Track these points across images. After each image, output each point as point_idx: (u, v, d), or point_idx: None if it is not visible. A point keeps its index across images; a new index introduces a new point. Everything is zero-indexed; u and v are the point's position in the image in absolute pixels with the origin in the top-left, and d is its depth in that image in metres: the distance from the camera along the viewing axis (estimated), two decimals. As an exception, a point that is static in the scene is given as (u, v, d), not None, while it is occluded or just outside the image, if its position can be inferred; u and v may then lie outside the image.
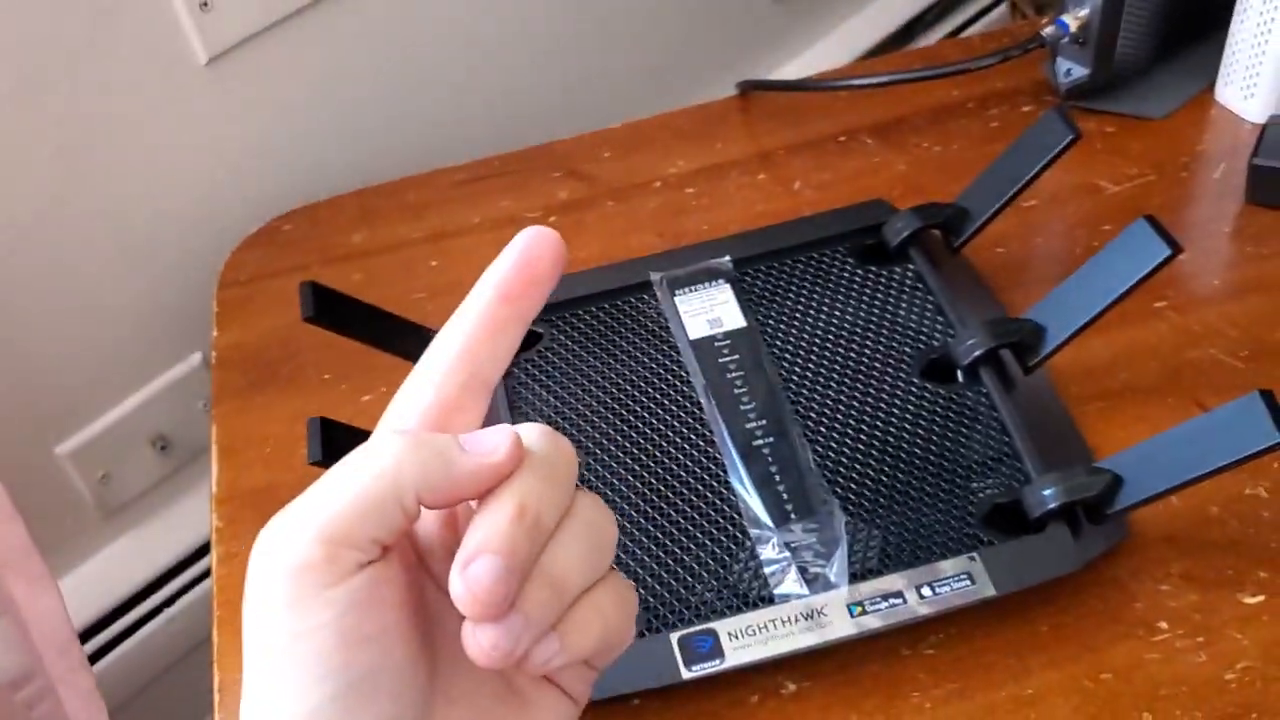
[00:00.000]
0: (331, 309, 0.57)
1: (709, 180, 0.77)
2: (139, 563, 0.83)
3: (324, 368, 0.68)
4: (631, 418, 0.57)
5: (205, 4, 0.70)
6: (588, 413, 0.58)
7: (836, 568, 0.51)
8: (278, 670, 0.27)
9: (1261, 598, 0.51)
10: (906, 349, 0.59)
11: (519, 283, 0.32)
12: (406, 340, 0.59)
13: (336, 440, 0.51)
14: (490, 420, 0.58)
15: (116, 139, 0.73)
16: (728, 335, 0.60)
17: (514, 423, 0.57)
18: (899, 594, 0.50)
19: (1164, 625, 0.51)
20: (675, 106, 0.82)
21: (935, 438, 0.55)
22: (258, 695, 0.27)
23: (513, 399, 0.58)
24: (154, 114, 0.74)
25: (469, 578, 0.27)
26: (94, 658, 0.81)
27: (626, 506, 0.54)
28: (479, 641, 0.27)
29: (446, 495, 0.28)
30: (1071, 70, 0.76)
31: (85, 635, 0.80)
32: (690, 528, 0.53)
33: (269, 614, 0.27)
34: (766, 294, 0.62)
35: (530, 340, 0.62)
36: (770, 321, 0.61)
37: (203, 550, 0.84)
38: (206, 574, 0.75)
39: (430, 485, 0.28)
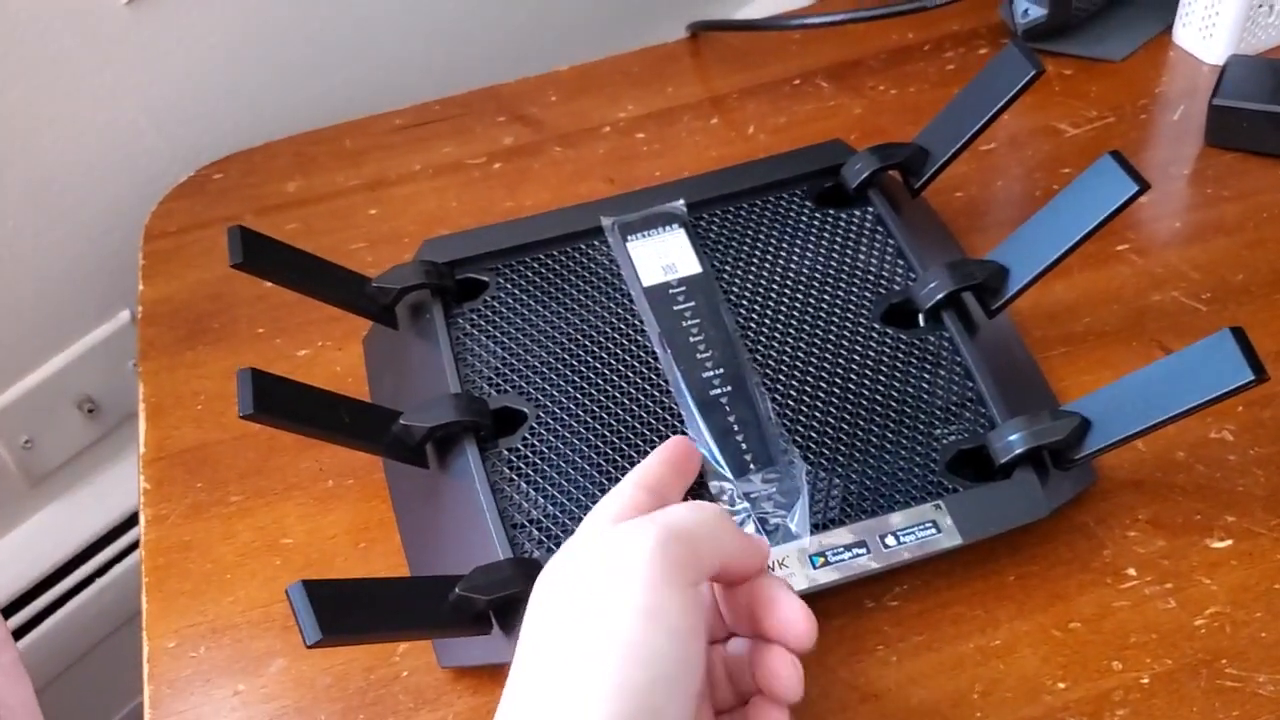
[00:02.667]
0: (262, 255, 0.53)
1: (660, 125, 0.74)
2: (68, 532, 0.79)
3: (257, 321, 0.65)
4: (583, 369, 0.55)
5: (123, -64, 0.66)
6: (537, 364, 0.55)
7: (798, 518, 0.49)
8: (596, 650, 0.33)
9: (1229, 542, 0.50)
10: (867, 294, 0.57)
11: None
12: (343, 288, 0.56)
13: (270, 392, 0.48)
14: (432, 374, 0.55)
15: (32, 84, 0.69)
16: (682, 282, 0.58)
17: (459, 375, 0.54)
18: (862, 544, 0.48)
19: (1132, 572, 0.50)
20: (625, 49, 0.79)
21: (897, 384, 0.53)
22: (559, 671, 0.34)
23: (458, 350, 0.56)
24: (73, 57, 0.70)
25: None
26: (21, 631, 0.77)
27: (579, 460, 0.51)
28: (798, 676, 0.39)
29: (740, 568, 0.38)
30: (1029, 11, 0.74)
31: (12, 608, 0.76)
32: (646, 480, 0.51)
33: (623, 588, 0.34)
34: (722, 239, 0.60)
35: (475, 289, 0.59)
36: (726, 267, 0.59)
37: (136, 517, 0.80)
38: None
39: (736, 551, 0.38)
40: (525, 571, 0.46)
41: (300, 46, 0.78)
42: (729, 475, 0.50)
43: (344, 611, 0.42)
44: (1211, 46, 0.73)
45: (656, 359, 0.55)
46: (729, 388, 0.53)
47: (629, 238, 0.60)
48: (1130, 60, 0.75)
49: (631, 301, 0.57)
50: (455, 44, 0.84)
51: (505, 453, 0.52)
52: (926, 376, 0.54)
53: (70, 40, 0.70)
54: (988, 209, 0.67)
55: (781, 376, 0.54)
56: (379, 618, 0.43)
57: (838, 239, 0.59)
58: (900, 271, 0.58)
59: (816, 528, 0.49)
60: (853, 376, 0.54)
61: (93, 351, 0.78)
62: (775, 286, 0.57)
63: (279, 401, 0.48)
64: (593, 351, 0.56)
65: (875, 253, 0.59)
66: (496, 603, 0.46)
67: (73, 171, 0.74)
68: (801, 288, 0.57)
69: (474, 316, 0.57)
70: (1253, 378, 0.44)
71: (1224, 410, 0.53)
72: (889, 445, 0.51)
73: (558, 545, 0.49)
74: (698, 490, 0.50)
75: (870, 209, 0.60)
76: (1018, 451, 0.49)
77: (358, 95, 0.81)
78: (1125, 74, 0.74)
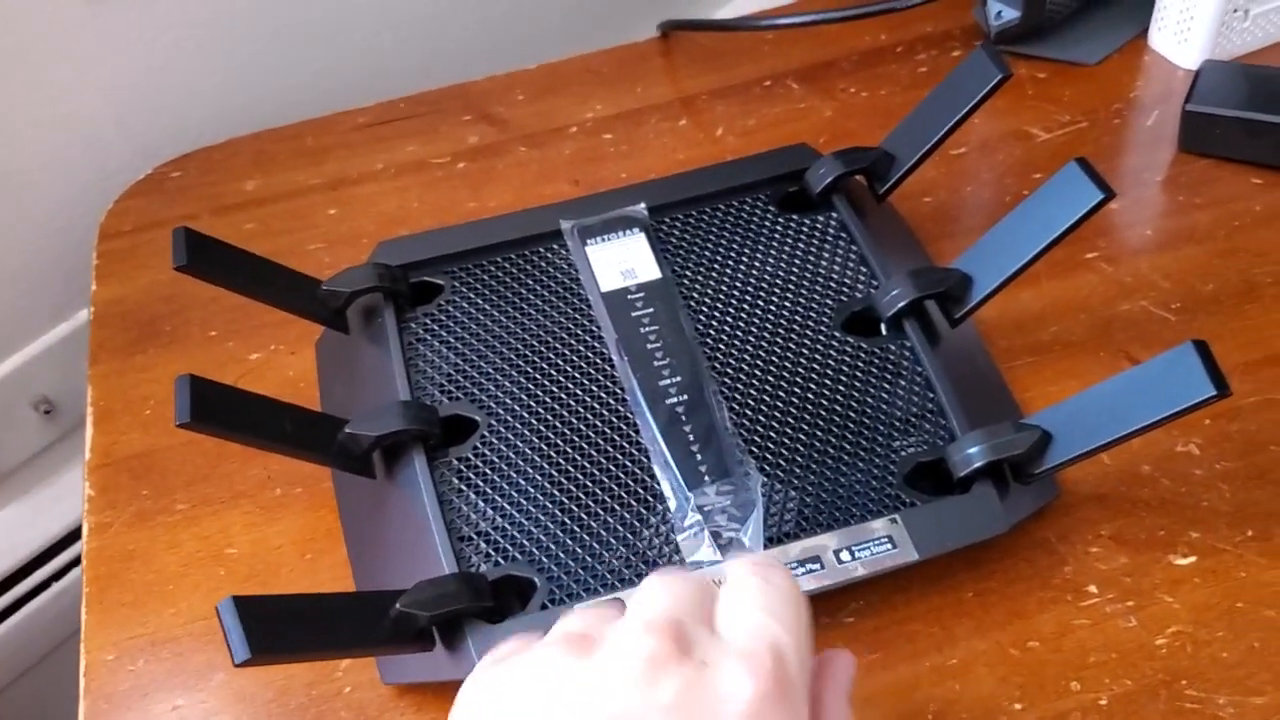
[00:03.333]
0: (208, 257, 0.52)
1: (628, 126, 0.73)
2: (23, 535, 0.78)
3: (210, 324, 0.63)
4: (538, 375, 0.54)
5: (76, -72, 0.65)
6: (491, 370, 0.54)
7: (752, 532, 0.48)
8: None
9: (1193, 559, 0.49)
10: (828, 301, 0.56)
11: None
12: (292, 292, 0.55)
13: (209, 400, 0.46)
14: (382, 380, 0.54)
15: (-13, 78, 0.68)
16: (641, 287, 0.56)
17: (410, 382, 0.53)
18: (816, 558, 0.47)
19: (1093, 589, 0.48)
20: (594, 48, 0.78)
21: (856, 394, 0.52)
22: None
23: (409, 356, 0.54)
24: (30, 50, 0.69)
25: None
26: (-26, 636, 0.76)
27: (530, 470, 0.50)
28: None
29: None
30: (1002, 13, 0.73)
31: (-36, 612, 0.75)
32: (599, 491, 0.49)
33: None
34: (684, 244, 0.59)
35: (429, 293, 0.57)
36: (687, 272, 0.57)
37: (93, 520, 0.79)
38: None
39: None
40: (471, 586, 0.45)
41: (264, 42, 0.77)
42: (683, 486, 0.49)
43: (276, 629, 0.40)
44: (1186, 51, 0.72)
45: (613, 366, 0.54)
46: (686, 396, 0.52)
47: (588, 241, 0.58)
48: (1104, 64, 0.74)
49: (589, 307, 0.56)
50: (421, 41, 0.82)
51: (455, 462, 0.51)
52: (886, 387, 0.52)
53: (28, 33, 0.68)
54: (957, 215, 0.65)
55: (740, 385, 0.53)
56: (314, 635, 0.42)
57: (800, 245, 0.58)
58: (863, 279, 0.56)
59: (771, 541, 0.47)
60: (811, 386, 0.53)
61: (49, 351, 0.77)
62: (736, 293, 0.56)
63: (218, 410, 0.47)
64: (548, 358, 0.54)
65: (838, 260, 0.57)
66: (439, 619, 0.44)
67: (29, 167, 0.72)
68: (762, 295, 0.56)
69: (427, 321, 0.56)
70: (1214, 392, 0.43)
71: (1190, 423, 0.52)
72: (846, 457, 0.50)
73: (506, 558, 0.48)
74: (652, 503, 0.49)
75: (834, 215, 0.59)
76: (977, 465, 0.48)
77: (322, 92, 0.79)
78: (1099, 78, 0.73)
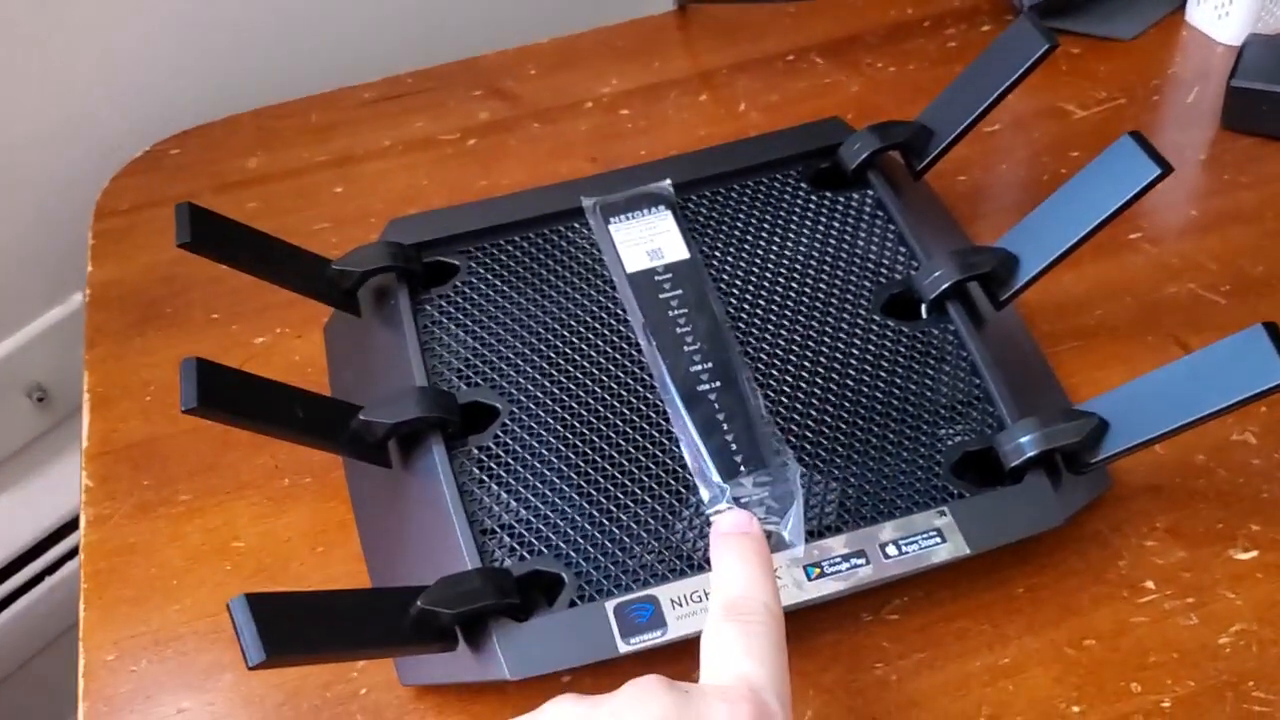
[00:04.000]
0: (212, 235, 0.49)
1: (645, 101, 0.70)
2: (17, 526, 0.75)
3: (213, 306, 0.60)
4: (561, 361, 0.51)
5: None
6: (511, 355, 0.51)
7: (791, 525, 0.45)
8: None
9: (1254, 553, 0.47)
10: (866, 283, 0.53)
11: None
12: (301, 271, 0.52)
13: (216, 385, 0.43)
14: (396, 365, 0.51)
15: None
16: (669, 268, 0.54)
17: (426, 367, 0.50)
18: (860, 554, 0.44)
19: (1151, 585, 0.46)
20: (609, 21, 0.75)
21: (899, 380, 0.50)
22: None
23: (425, 340, 0.52)
24: (21, 21, 0.66)
25: None
26: (-35, 631, 0.73)
27: (556, 460, 0.47)
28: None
29: None
30: (1036, -15, 0.71)
31: (-45, 607, 0.72)
32: (628, 483, 0.47)
33: None
34: (712, 222, 0.56)
35: (445, 274, 0.55)
36: (716, 252, 0.55)
37: (87, 511, 0.76)
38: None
39: None
40: (495, 583, 0.43)
41: (265, 14, 0.74)
42: (717, 478, 0.46)
43: (292, 628, 0.38)
44: (1226, 26, 0.70)
45: (640, 351, 0.51)
46: (718, 383, 0.49)
47: (611, 220, 0.56)
48: (1141, 39, 0.71)
49: (614, 289, 0.53)
50: (429, 13, 0.79)
51: (475, 452, 0.48)
52: (930, 372, 0.50)
53: (19, 3, 0.65)
54: (991, 194, 0.63)
55: (774, 371, 0.50)
56: (331, 635, 0.39)
57: (834, 224, 0.55)
58: (901, 259, 0.54)
59: (811, 535, 0.45)
60: (850, 372, 0.50)
61: (43, 336, 0.74)
62: (768, 274, 0.54)
63: (226, 395, 0.44)
64: (571, 343, 0.52)
65: (875, 239, 0.55)
66: (463, 617, 0.42)
67: (21, 145, 0.69)
68: (796, 276, 0.54)
69: (443, 303, 0.53)
70: (1289, 378, 0.41)
71: (1246, 411, 0.50)
72: (889, 446, 0.47)
73: (532, 553, 0.45)
74: (684, 494, 0.46)
75: (870, 192, 0.56)
76: (1029, 454, 0.45)
77: (326, 66, 0.76)
78: (1136, 54, 0.70)
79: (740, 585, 0.37)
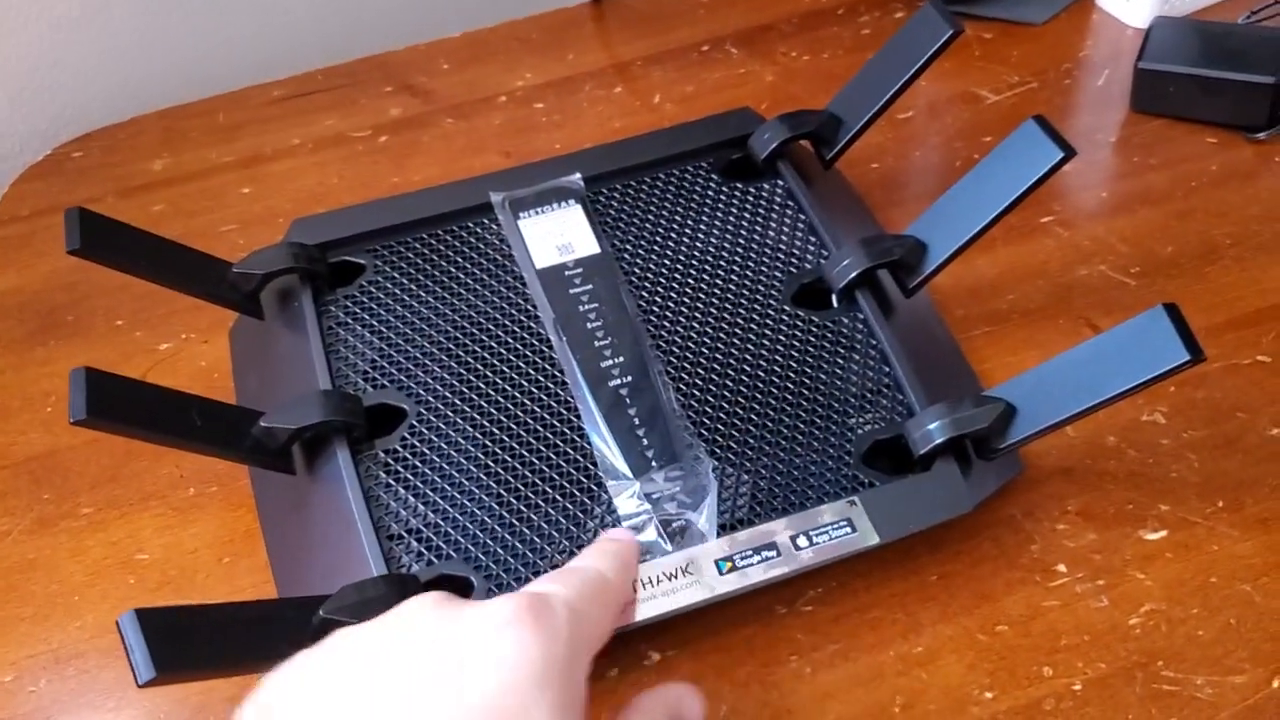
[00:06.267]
0: (105, 240, 0.48)
1: (560, 95, 0.69)
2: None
3: (116, 313, 0.59)
4: (469, 360, 0.50)
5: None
6: (418, 355, 0.50)
7: (704, 518, 0.45)
8: None
9: (1163, 533, 0.47)
10: (777, 273, 0.53)
11: None
12: (201, 276, 0.51)
13: (108, 394, 0.42)
14: (300, 368, 0.50)
15: None
16: (579, 263, 0.53)
17: (330, 370, 0.49)
18: (772, 545, 0.44)
19: (1062, 568, 0.46)
20: (522, 14, 0.74)
21: (809, 371, 0.49)
22: None
23: (329, 342, 0.50)
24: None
25: None
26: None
27: (465, 461, 0.47)
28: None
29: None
30: (948, -29, 0.71)
31: None
32: (539, 482, 0.46)
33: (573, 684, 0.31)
34: (623, 215, 0.55)
35: (350, 274, 0.54)
36: (627, 246, 0.54)
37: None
38: None
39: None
40: (401, 589, 0.42)
41: (171, 11, 0.72)
42: (628, 473, 0.46)
43: (185, 643, 0.36)
44: (1135, 9, 0.70)
45: (551, 348, 0.50)
46: (629, 378, 0.49)
47: (521, 215, 0.55)
48: (1052, 24, 0.71)
49: (524, 285, 0.53)
50: (340, 9, 0.78)
51: (381, 455, 0.47)
52: (840, 362, 0.50)
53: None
54: (906, 181, 0.63)
55: (686, 364, 0.50)
56: (228, 648, 0.38)
57: (745, 215, 0.55)
58: (812, 249, 0.53)
59: (724, 529, 0.44)
60: (762, 363, 0.50)
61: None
62: (679, 267, 0.53)
63: (118, 405, 0.42)
64: (480, 341, 0.51)
65: (785, 229, 0.54)
66: (367, 625, 0.41)
67: (-85, 150, 0.67)
68: (707, 268, 0.53)
69: (348, 304, 0.52)
70: (1188, 358, 0.41)
71: (1155, 391, 0.50)
72: (800, 437, 0.47)
73: (440, 557, 0.44)
74: (596, 493, 0.46)
75: (780, 182, 0.56)
76: (937, 441, 0.45)
77: (234, 65, 0.74)
78: (1047, 38, 0.70)
79: (583, 560, 0.37)
